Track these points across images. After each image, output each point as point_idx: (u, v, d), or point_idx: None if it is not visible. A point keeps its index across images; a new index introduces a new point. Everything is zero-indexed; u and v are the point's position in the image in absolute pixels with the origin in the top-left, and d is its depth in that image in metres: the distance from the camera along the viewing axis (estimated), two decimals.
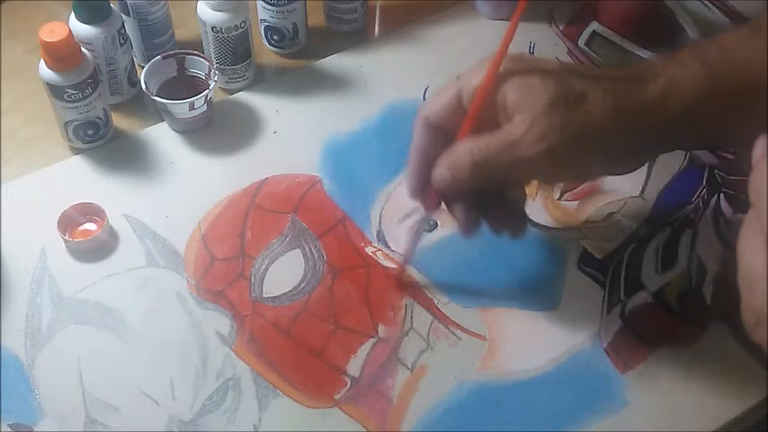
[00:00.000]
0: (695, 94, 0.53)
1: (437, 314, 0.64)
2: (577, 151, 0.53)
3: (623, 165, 0.58)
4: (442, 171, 0.56)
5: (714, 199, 0.71)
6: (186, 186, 0.71)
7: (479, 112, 0.54)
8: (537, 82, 0.53)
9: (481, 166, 0.54)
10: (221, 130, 0.75)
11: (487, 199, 0.58)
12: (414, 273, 0.66)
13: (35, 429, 0.58)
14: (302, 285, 0.65)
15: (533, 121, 0.52)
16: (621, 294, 0.65)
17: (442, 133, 0.57)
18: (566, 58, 0.81)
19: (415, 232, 0.63)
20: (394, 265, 0.67)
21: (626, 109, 0.53)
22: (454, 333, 0.63)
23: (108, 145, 0.73)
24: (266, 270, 0.66)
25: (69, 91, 0.68)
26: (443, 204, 0.59)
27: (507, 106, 0.54)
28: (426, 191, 0.58)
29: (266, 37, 0.81)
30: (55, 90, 0.68)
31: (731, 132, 0.55)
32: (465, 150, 0.54)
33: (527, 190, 0.70)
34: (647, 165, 0.71)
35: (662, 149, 0.59)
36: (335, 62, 0.81)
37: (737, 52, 0.53)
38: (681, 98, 0.53)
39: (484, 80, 0.54)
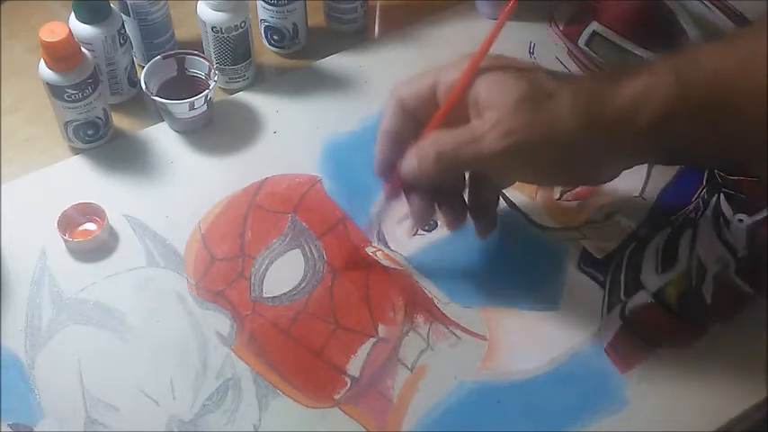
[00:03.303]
0: (666, 105, 0.52)
1: (437, 314, 0.64)
2: (542, 152, 0.54)
3: (592, 175, 0.58)
4: (410, 160, 0.57)
5: (714, 199, 0.71)
6: (186, 186, 0.71)
7: (452, 108, 0.55)
8: (509, 80, 0.54)
9: (446, 157, 0.55)
10: (221, 130, 0.75)
11: (446, 195, 0.60)
12: (414, 273, 0.66)
13: (35, 429, 0.58)
14: (302, 285, 0.65)
15: (500, 117, 0.53)
16: (621, 294, 0.65)
17: (413, 118, 0.58)
18: (566, 58, 0.81)
19: (379, 210, 0.64)
20: (394, 265, 0.67)
21: (595, 113, 0.52)
22: (454, 333, 0.63)
23: (108, 145, 0.73)
24: (266, 270, 0.66)
25: (69, 91, 0.68)
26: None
27: (479, 103, 0.54)
28: (390, 173, 0.60)
29: (266, 37, 0.81)
30: (55, 90, 0.68)
31: (697, 149, 0.55)
32: (432, 141, 0.56)
33: (527, 190, 0.70)
34: (646, 165, 0.71)
35: (630, 162, 0.57)
36: (335, 62, 0.80)
37: (706, 64, 0.52)
38: (652, 107, 0.52)
39: (461, 78, 0.55)
